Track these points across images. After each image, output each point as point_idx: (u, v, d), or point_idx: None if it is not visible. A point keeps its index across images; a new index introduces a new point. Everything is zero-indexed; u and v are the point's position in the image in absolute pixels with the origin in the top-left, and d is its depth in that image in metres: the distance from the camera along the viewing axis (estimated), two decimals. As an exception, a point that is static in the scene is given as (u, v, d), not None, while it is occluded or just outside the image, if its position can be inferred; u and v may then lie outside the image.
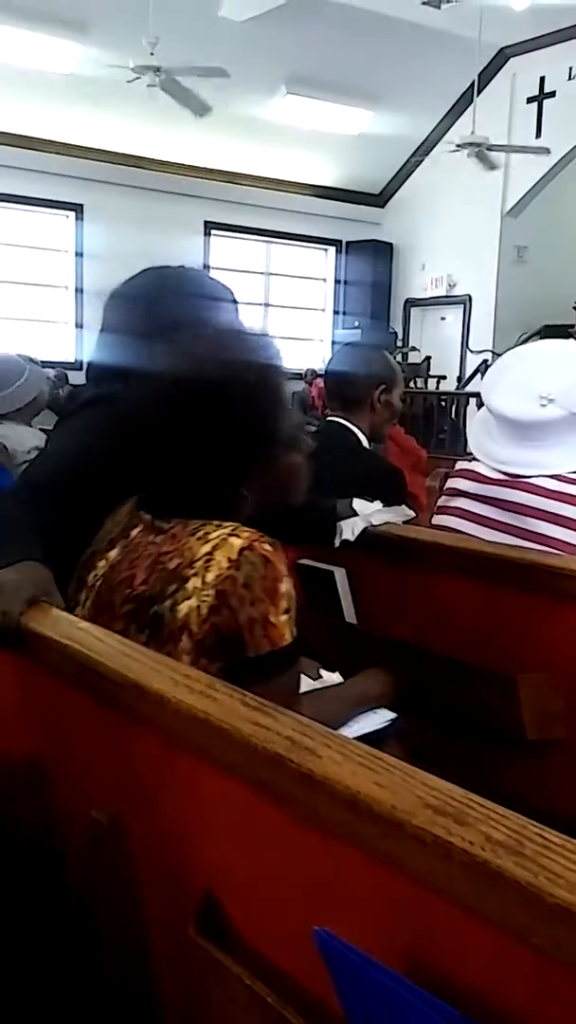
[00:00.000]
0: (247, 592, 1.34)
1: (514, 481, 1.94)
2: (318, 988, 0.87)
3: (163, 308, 1.69)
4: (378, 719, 1.60)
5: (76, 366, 10.30)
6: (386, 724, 1.60)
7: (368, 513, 2.02)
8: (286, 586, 1.38)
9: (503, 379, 2.00)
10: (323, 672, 1.78)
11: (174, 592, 1.39)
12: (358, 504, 2.02)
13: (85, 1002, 1.28)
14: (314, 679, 1.73)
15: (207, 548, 1.38)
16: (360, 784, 0.78)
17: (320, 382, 6.58)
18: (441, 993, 0.73)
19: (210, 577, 1.35)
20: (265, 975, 0.95)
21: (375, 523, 2.01)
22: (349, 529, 1.99)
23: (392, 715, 1.62)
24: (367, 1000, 0.81)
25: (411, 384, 10.96)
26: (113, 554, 1.47)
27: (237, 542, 1.37)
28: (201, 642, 1.36)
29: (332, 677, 1.76)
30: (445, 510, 2.09)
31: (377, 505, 2.05)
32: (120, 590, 1.46)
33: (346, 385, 2.56)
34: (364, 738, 1.53)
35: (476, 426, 2.11)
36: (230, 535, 1.38)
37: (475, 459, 2.05)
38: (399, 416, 2.76)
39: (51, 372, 7.76)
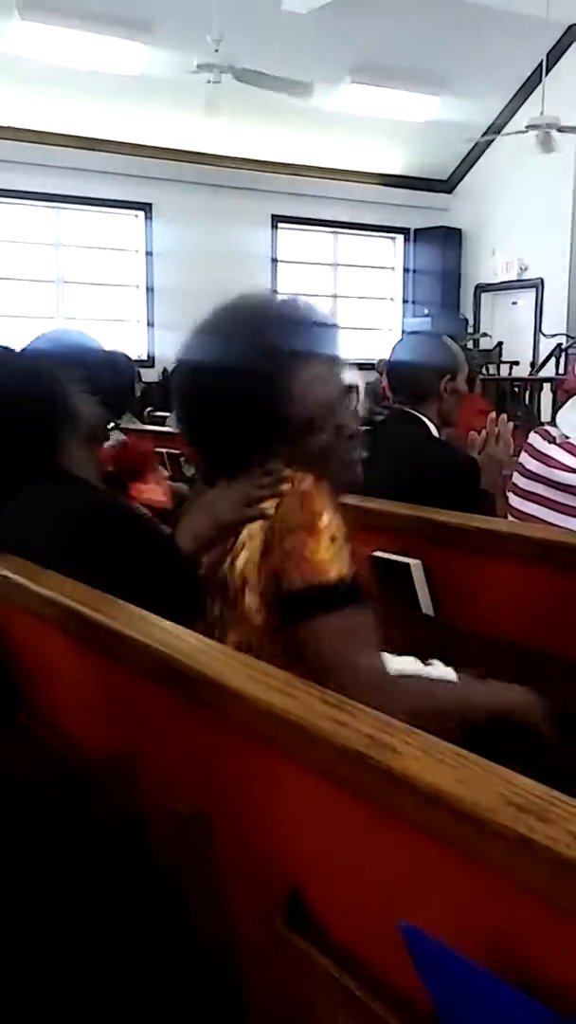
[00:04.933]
0: (281, 526, 1.33)
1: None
2: (406, 982, 0.87)
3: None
4: None
5: (148, 363, 10.45)
6: None
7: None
8: (327, 520, 1.33)
9: None
10: (435, 661, 1.62)
11: (232, 546, 1.39)
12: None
13: (175, 994, 1.30)
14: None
15: None
16: (441, 781, 0.78)
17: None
18: (529, 991, 0.73)
19: (256, 524, 1.35)
20: (353, 969, 0.95)
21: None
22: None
23: None
24: (457, 996, 0.81)
25: (483, 371, 10.80)
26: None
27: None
28: (264, 594, 1.34)
29: (445, 671, 1.60)
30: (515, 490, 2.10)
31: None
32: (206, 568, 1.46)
33: (411, 378, 2.57)
34: None
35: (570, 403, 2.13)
36: None
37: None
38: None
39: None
